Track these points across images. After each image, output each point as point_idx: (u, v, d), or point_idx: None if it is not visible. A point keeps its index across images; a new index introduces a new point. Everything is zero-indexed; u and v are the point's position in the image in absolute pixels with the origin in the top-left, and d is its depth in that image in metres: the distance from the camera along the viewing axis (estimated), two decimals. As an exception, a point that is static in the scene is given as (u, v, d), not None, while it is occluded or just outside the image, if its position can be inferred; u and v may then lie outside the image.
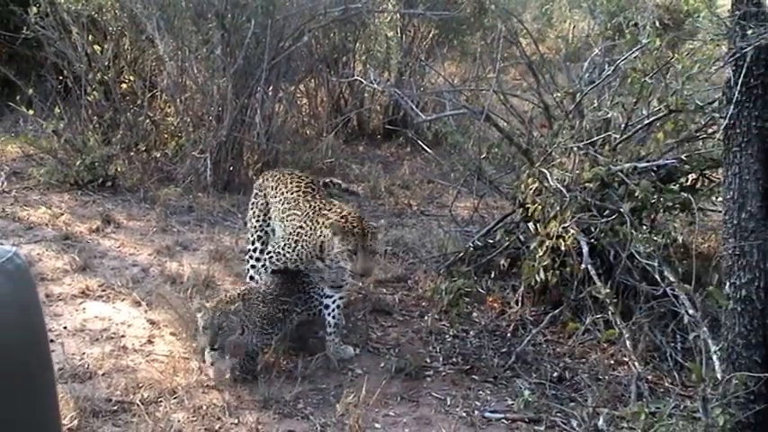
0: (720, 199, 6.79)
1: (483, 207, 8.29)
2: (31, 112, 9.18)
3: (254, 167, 9.37)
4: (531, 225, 6.66)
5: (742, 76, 3.94)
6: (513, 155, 7.73)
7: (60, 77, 9.86)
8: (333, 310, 6.00)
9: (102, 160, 8.91)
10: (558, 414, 5.43)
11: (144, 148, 9.77)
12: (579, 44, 12.72)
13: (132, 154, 9.62)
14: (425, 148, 9.40)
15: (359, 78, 10.09)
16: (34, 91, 9.42)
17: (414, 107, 8.47)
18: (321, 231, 5.75)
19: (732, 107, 4.03)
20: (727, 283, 4.22)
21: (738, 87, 4.01)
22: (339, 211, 5.86)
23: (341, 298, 6.06)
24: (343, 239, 5.59)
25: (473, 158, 7.79)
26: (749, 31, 3.84)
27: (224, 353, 5.54)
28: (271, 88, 9.60)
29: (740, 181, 4.12)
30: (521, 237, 7.10)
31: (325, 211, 5.87)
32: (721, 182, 6.68)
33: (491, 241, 7.43)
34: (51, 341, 5.88)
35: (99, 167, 8.88)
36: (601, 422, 4.78)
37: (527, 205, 6.80)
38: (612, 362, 6.19)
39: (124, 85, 10.15)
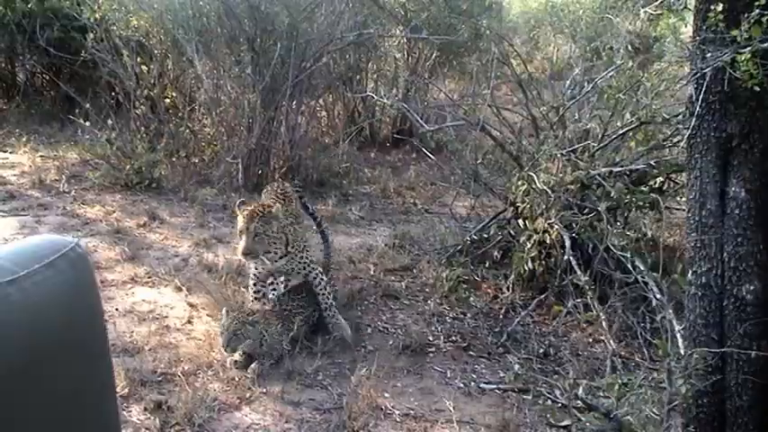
0: (684, 199, 6.87)
1: (479, 206, 8.29)
2: (87, 123, 9.21)
3: (280, 171, 9.39)
4: (520, 221, 6.68)
5: (702, 92, 3.95)
6: (504, 161, 7.79)
7: (113, 93, 9.94)
8: (319, 296, 5.94)
9: (149, 165, 8.95)
10: (544, 385, 5.43)
11: (184, 155, 9.82)
12: (562, 65, 12.73)
13: (174, 159, 9.66)
14: (429, 154, 9.40)
15: (371, 94, 10.17)
16: (91, 105, 9.48)
17: (418, 119, 8.51)
18: None
19: (694, 119, 4.05)
20: (690, 272, 4.23)
21: (699, 102, 4.02)
22: (262, 203, 5.82)
23: (317, 287, 5.94)
24: (237, 223, 5.59)
25: (470, 163, 7.80)
26: (708, 54, 3.86)
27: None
28: (294, 102, 9.62)
29: (701, 183, 4.13)
30: (511, 231, 7.11)
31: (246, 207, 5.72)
32: (685, 184, 6.75)
33: (486, 235, 7.46)
34: (105, 320, 5.91)
35: (145, 171, 8.92)
36: (580, 392, 4.79)
37: (517, 204, 6.83)
38: (591, 340, 6.21)
39: (167, 100, 10.19)
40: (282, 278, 6.14)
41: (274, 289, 6.14)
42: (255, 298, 6.04)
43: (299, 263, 5.85)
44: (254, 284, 6.03)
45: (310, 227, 6.90)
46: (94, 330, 1.20)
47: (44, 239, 1.14)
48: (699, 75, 3.95)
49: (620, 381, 4.35)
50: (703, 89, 3.97)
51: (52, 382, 1.12)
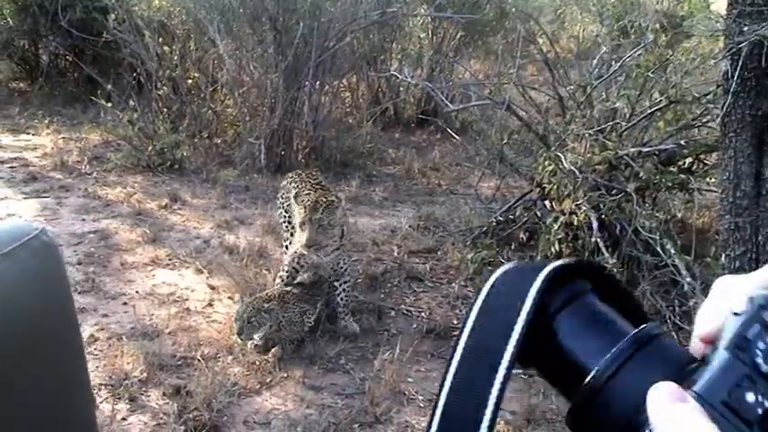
0: (715, 180, 6.75)
1: (504, 187, 8.19)
2: (109, 104, 9.15)
3: (303, 152, 9.34)
4: (547, 203, 6.58)
5: (738, 69, 3.80)
6: (531, 141, 7.65)
7: (135, 75, 9.92)
8: (340, 293, 5.75)
9: (170, 146, 8.89)
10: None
11: (206, 136, 9.75)
12: (589, 44, 12.52)
13: (196, 140, 9.60)
14: (453, 134, 9.27)
15: (395, 74, 10.02)
16: (113, 87, 9.41)
17: (443, 99, 8.38)
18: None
19: (729, 97, 3.91)
20: (723, 255, 4.10)
21: (734, 79, 3.87)
22: (313, 192, 5.54)
23: (345, 282, 5.76)
24: (298, 214, 5.38)
25: (495, 144, 7.67)
26: (745, 28, 3.70)
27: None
28: (317, 82, 9.51)
29: (735, 163, 3.99)
30: (538, 213, 6.99)
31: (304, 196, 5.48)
32: (716, 164, 6.63)
33: (511, 217, 7.34)
34: (125, 304, 5.89)
35: (167, 152, 8.86)
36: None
37: (544, 185, 6.70)
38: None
39: (189, 81, 10.11)
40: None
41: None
42: (285, 282, 5.75)
43: (347, 258, 5.74)
44: (287, 270, 5.81)
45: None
46: (63, 326, 1.07)
47: (4, 225, 1.03)
48: (734, 50, 3.80)
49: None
50: (738, 65, 3.81)
51: (18, 380, 1.00)
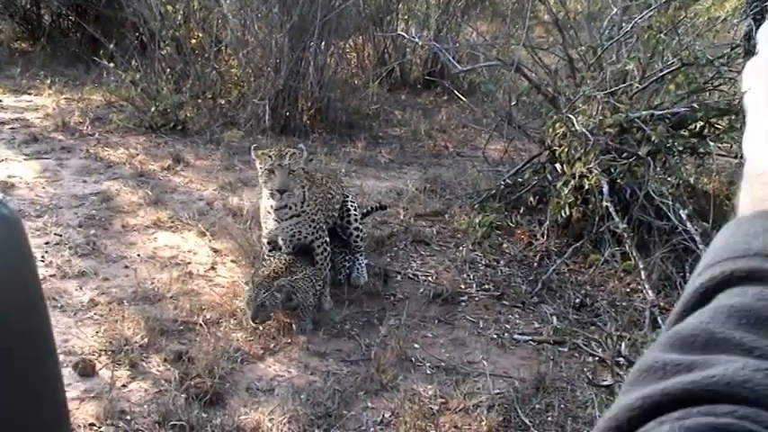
0: (726, 144, 6.65)
1: (513, 149, 8.10)
2: (112, 65, 9.04)
3: (308, 113, 9.21)
4: (557, 166, 6.47)
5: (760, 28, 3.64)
6: (540, 103, 7.54)
7: (138, 35, 9.74)
8: (318, 264, 5.46)
9: (174, 107, 8.76)
10: (581, 337, 5.21)
11: (210, 96, 9.59)
12: (599, 4, 12.35)
13: (200, 101, 9.45)
14: (461, 96, 9.13)
15: (401, 34, 9.90)
16: (115, 47, 9.30)
17: (450, 59, 8.24)
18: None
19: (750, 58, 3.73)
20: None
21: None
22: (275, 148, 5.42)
23: (318, 255, 5.45)
24: (261, 163, 5.15)
25: (504, 106, 7.54)
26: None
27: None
28: (323, 43, 9.35)
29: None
30: (547, 176, 6.87)
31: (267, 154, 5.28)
32: (728, 129, 6.51)
33: (520, 180, 7.23)
34: (126, 267, 5.80)
35: (171, 113, 8.73)
36: (623, 347, 4.58)
37: (553, 148, 6.60)
38: (628, 290, 5.95)
39: (193, 41, 9.93)
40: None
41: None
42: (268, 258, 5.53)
43: (309, 226, 5.49)
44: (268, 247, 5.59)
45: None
46: (26, 311, 0.94)
47: None
48: (757, 8, 3.64)
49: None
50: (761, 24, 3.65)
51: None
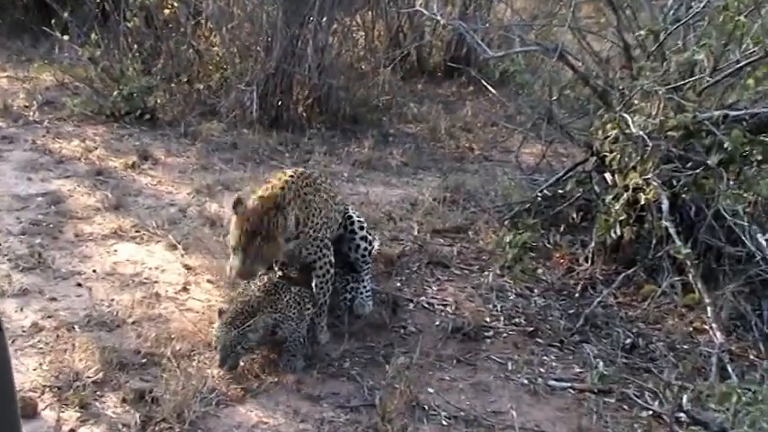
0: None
1: (552, 154, 8.13)
2: (66, 37, 9.10)
3: (304, 103, 9.25)
4: (606, 175, 6.49)
5: None
6: (587, 98, 7.56)
7: (99, 1, 9.77)
8: (317, 287, 5.47)
9: (141, 91, 8.82)
10: (631, 386, 5.22)
11: (186, 80, 9.64)
12: (662, -21, 12.45)
13: (173, 85, 9.50)
14: (490, 88, 9.14)
15: (420, 10, 9.90)
16: (71, 15, 9.37)
17: (479, 42, 8.26)
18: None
19: None
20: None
21: None
22: (265, 187, 5.28)
23: (319, 277, 5.44)
24: (233, 228, 5.06)
25: (543, 100, 7.59)
26: None
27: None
28: (324, 18, 9.39)
29: None
30: (594, 188, 6.89)
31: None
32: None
33: (560, 191, 7.26)
34: (78, 285, 5.81)
35: (137, 99, 8.79)
36: (685, 401, 4.57)
37: (603, 153, 6.60)
38: (691, 330, 5.96)
39: (166, 11, 9.95)
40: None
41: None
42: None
43: (311, 245, 5.38)
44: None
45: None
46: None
47: None
48: None
49: (737, 389, 4.09)
50: None
51: None
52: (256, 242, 4.99)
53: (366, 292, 5.87)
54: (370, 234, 6.01)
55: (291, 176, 5.31)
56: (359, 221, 5.94)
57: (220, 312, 5.08)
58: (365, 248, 5.89)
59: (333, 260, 5.52)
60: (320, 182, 5.59)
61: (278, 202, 5.10)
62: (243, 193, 5.56)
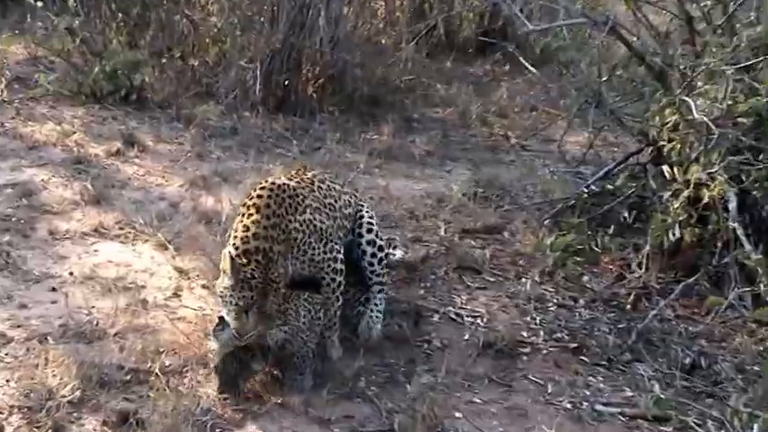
0: None
1: (601, 143, 8.14)
2: (39, 4, 9.11)
3: (315, 83, 9.25)
4: (664, 168, 6.45)
5: None
6: (642, 78, 7.53)
7: (78, -37, 9.79)
8: (328, 301, 5.48)
9: (127, 68, 8.84)
10: (692, 412, 5.21)
11: (179, 55, 9.68)
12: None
13: (164, 61, 9.53)
14: (529, 66, 9.16)
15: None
16: (45, -22, 9.36)
17: (518, 13, 8.28)
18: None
19: None
20: None
21: None
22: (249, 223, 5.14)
23: (329, 285, 5.43)
24: (234, 284, 4.90)
25: (590, 81, 7.57)
26: None
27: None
28: (339, -16, 9.43)
29: None
30: (650, 183, 6.88)
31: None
32: None
33: (610, 187, 7.26)
34: (53, 290, 5.83)
35: (122, 76, 8.81)
36: (756, 431, 4.56)
37: (660, 143, 6.60)
38: (761, 348, 5.95)
39: (156, -25, 10.01)
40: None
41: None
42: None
43: (321, 255, 5.41)
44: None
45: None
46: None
47: None
48: None
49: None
50: None
51: None
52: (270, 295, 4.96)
53: (376, 311, 5.80)
54: (381, 239, 5.94)
55: (268, 207, 5.20)
56: (368, 223, 5.88)
57: (220, 322, 5.03)
58: (372, 255, 5.83)
59: (342, 267, 5.49)
60: (301, 191, 5.39)
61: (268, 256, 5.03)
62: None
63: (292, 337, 5.06)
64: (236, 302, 4.82)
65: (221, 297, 4.92)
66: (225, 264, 4.84)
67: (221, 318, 5.04)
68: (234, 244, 4.96)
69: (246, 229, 5.00)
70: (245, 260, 4.87)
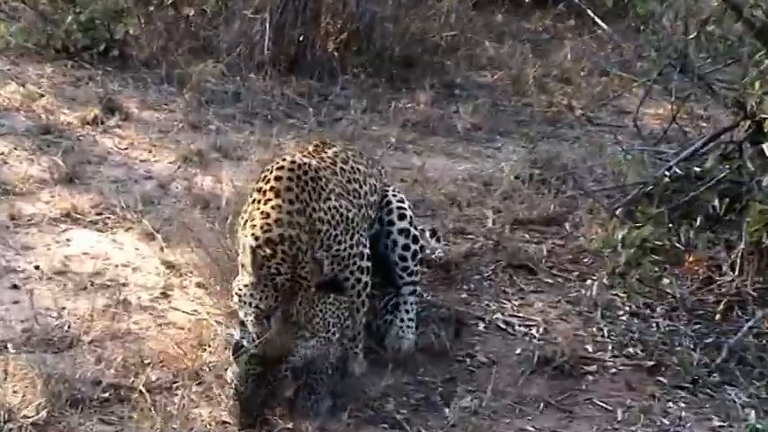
0: None
1: (686, 116, 8.10)
2: (1, -60, 9.13)
3: (336, 39, 9.23)
4: (765, 147, 6.41)
5: None
6: (739, 36, 7.49)
7: None
8: (355, 306, 5.52)
9: (106, 17, 8.84)
10: (794, 446, 5.21)
11: (170, 2, 9.65)
12: None
13: (152, 9, 9.52)
14: (599, 21, 9.15)
15: None
16: None
17: (586, -45, 8.28)
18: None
19: None
20: None
21: None
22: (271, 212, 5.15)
23: (354, 288, 5.47)
24: (254, 284, 4.93)
25: (674, 40, 7.53)
26: None
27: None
28: None
29: None
30: (747, 165, 6.85)
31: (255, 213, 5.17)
32: None
33: (697, 169, 7.21)
34: (15, 287, 5.85)
35: (100, 27, 8.83)
36: None
37: (760, 116, 6.57)
38: None
39: None
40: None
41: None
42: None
43: (347, 251, 5.42)
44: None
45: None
46: None
47: None
48: None
49: None
50: None
51: None
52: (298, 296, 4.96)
53: (407, 318, 5.82)
54: (416, 228, 5.93)
55: (289, 190, 5.22)
56: (399, 208, 5.89)
57: (237, 348, 5.02)
58: (405, 247, 5.83)
59: (369, 265, 5.51)
60: (324, 173, 5.44)
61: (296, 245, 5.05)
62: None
63: (320, 353, 5.05)
64: (256, 305, 4.81)
65: (238, 298, 4.93)
66: (244, 256, 4.86)
67: (238, 344, 5.01)
68: (253, 234, 4.94)
69: (266, 215, 5.01)
70: (268, 251, 4.86)
